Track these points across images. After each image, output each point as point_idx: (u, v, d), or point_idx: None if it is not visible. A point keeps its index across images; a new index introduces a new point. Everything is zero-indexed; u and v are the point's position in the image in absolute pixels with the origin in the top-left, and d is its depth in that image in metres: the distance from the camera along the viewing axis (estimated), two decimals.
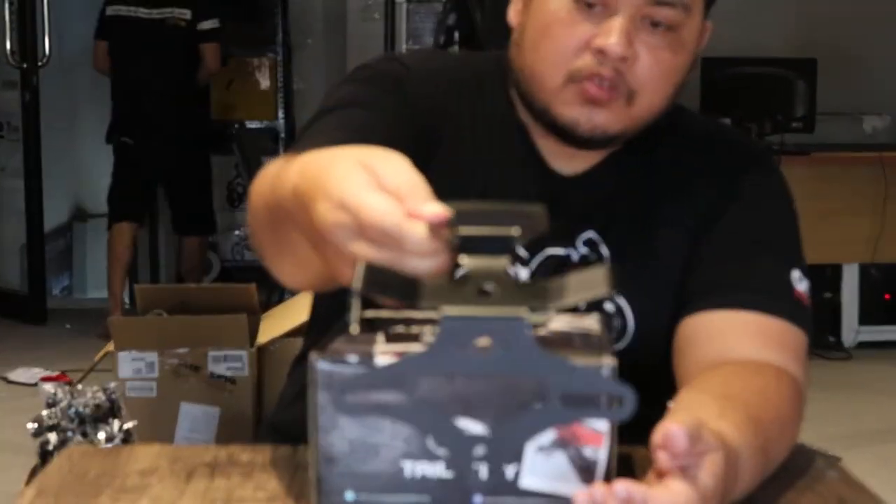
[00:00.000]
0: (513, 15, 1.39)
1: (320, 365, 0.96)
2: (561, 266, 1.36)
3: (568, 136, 1.33)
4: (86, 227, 6.99)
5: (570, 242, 1.37)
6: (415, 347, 0.97)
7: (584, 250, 1.37)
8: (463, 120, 1.40)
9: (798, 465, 1.20)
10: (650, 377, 1.29)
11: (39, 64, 6.14)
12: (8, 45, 6.07)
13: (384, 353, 0.96)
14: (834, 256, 5.50)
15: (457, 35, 4.24)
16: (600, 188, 1.38)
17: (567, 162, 1.39)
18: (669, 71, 1.32)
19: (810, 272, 1.37)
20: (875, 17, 6.08)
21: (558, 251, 1.36)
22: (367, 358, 0.96)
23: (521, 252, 1.35)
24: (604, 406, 0.93)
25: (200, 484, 1.12)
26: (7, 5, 6.11)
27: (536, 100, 1.34)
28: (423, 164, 0.98)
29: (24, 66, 6.11)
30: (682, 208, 1.38)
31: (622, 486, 0.87)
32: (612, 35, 1.27)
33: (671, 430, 0.91)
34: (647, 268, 1.37)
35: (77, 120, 6.90)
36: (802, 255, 1.38)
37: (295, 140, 1.31)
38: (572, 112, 1.31)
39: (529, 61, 1.34)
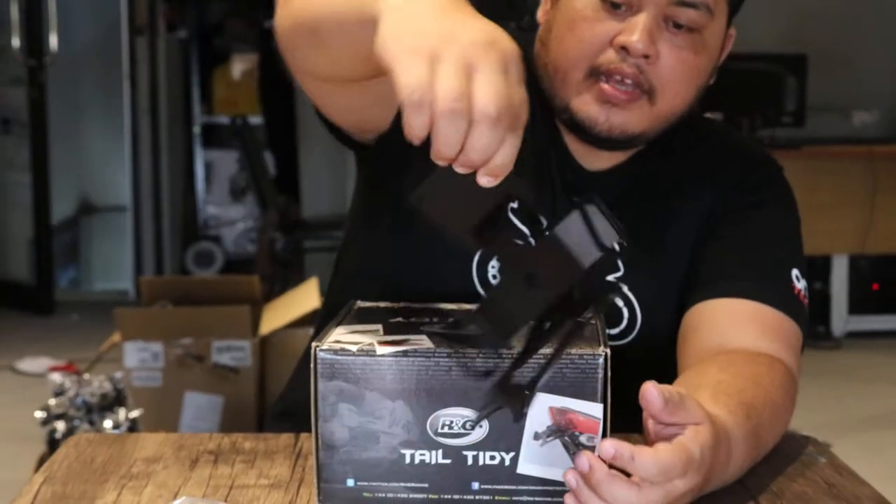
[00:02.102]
0: (541, 14, 1.40)
1: (321, 354, 0.99)
2: None
3: (587, 134, 1.35)
4: (92, 220, 7.00)
5: None
6: (414, 337, 1.01)
7: None
8: None
9: (789, 451, 1.23)
10: (656, 368, 1.32)
11: (46, 60, 6.16)
12: (16, 42, 6.06)
13: (384, 343, 0.99)
14: (824, 248, 5.49)
15: None
16: (619, 185, 1.41)
17: (591, 160, 1.41)
18: (691, 71, 1.34)
19: None
20: (864, 14, 6.04)
21: None
22: (367, 347, 0.99)
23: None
24: (599, 393, 0.98)
25: (204, 471, 1.15)
26: (14, 2, 6.09)
27: (558, 96, 1.35)
28: None
29: (32, 62, 6.12)
30: (692, 207, 1.42)
31: (609, 444, 0.92)
32: (635, 32, 1.29)
33: (647, 388, 0.96)
34: (656, 263, 1.40)
35: (83, 115, 6.90)
36: (803, 258, 1.42)
37: None
38: (590, 110, 1.32)
39: (553, 57, 1.35)
